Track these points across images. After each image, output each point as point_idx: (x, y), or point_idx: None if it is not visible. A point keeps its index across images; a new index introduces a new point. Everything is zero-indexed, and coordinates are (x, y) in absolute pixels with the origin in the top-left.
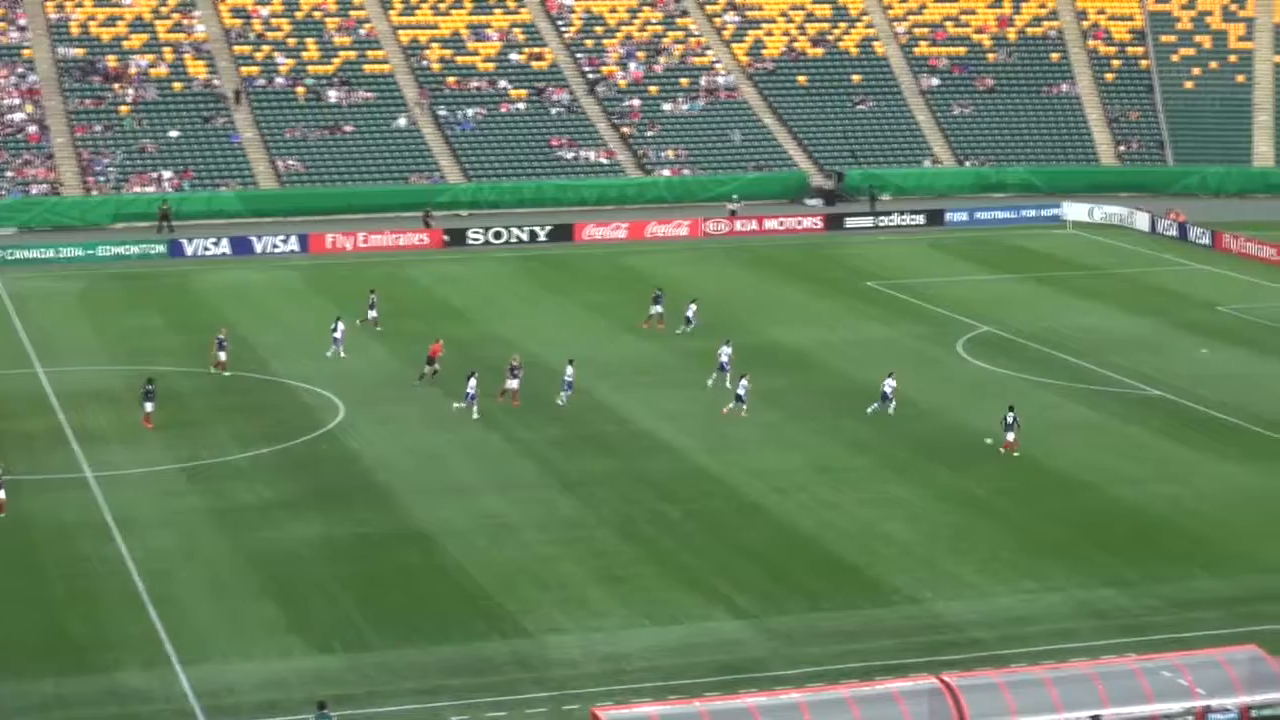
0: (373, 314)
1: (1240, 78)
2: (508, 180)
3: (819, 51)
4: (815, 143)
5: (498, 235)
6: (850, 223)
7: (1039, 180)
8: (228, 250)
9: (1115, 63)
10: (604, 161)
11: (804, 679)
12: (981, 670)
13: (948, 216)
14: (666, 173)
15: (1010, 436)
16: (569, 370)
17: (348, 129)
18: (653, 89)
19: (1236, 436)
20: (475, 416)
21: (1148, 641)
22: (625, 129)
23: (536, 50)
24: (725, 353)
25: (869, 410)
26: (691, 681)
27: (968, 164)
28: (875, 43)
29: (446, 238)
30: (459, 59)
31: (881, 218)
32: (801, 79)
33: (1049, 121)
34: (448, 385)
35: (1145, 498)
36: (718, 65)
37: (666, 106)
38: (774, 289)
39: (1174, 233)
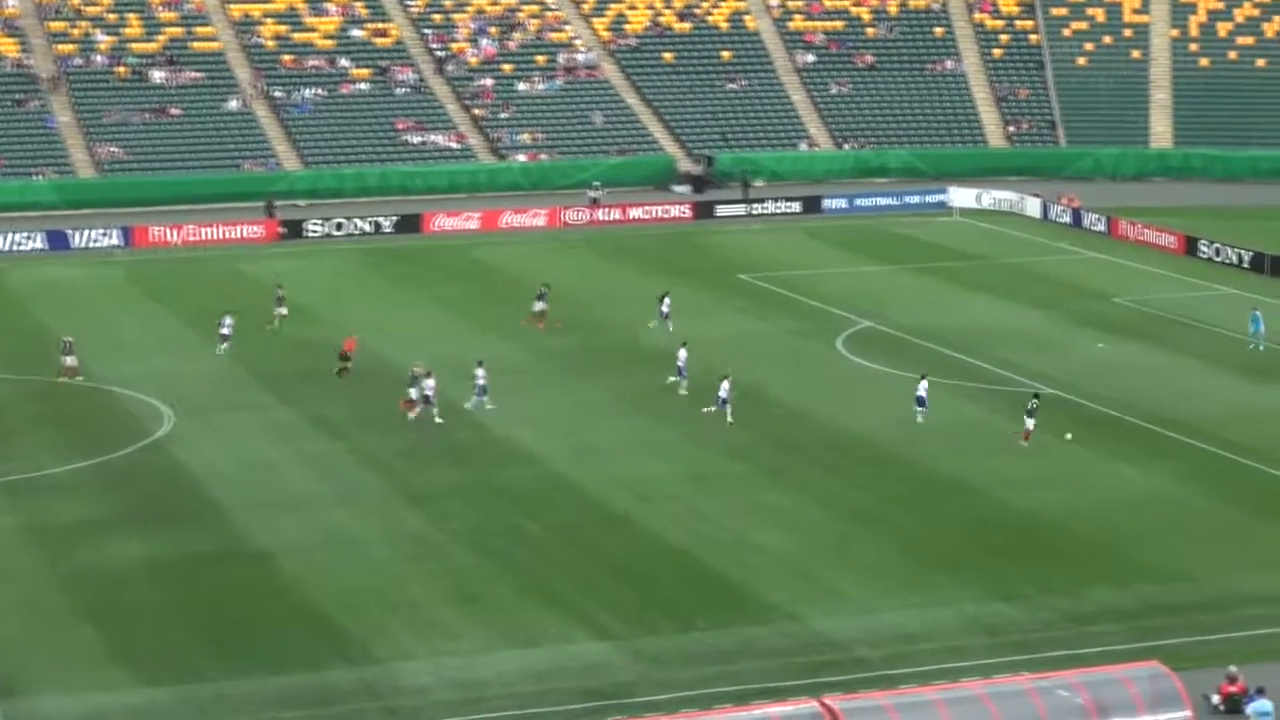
0: (282, 310)
1: (1136, 53)
2: (349, 167)
3: (686, 26)
4: (683, 125)
5: (339, 227)
6: (721, 210)
7: (923, 164)
8: (42, 245)
9: (1003, 38)
10: (454, 146)
11: (675, 704)
12: (866, 692)
13: (825, 203)
14: (522, 158)
15: (1030, 424)
16: (479, 373)
17: (174, 112)
18: (506, 67)
19: (1134, 436)
20: (439, 420)
21: (1043, 659)
22: (477, 111)
23: (380, 26)
24: (682, 355)
25: (704, 411)
26: (553, 709)
27: (846, 147)
28: (746, 17)
29: (283, 230)
30: (295, 35)
31: (754, 205)
32: (667, 56)
33: (933, 101)
34: (320, 390)
35: (1039, 503)
36: (577, 41)
37: (521, 86)
38: (640, 282)
39: (1067, 219)
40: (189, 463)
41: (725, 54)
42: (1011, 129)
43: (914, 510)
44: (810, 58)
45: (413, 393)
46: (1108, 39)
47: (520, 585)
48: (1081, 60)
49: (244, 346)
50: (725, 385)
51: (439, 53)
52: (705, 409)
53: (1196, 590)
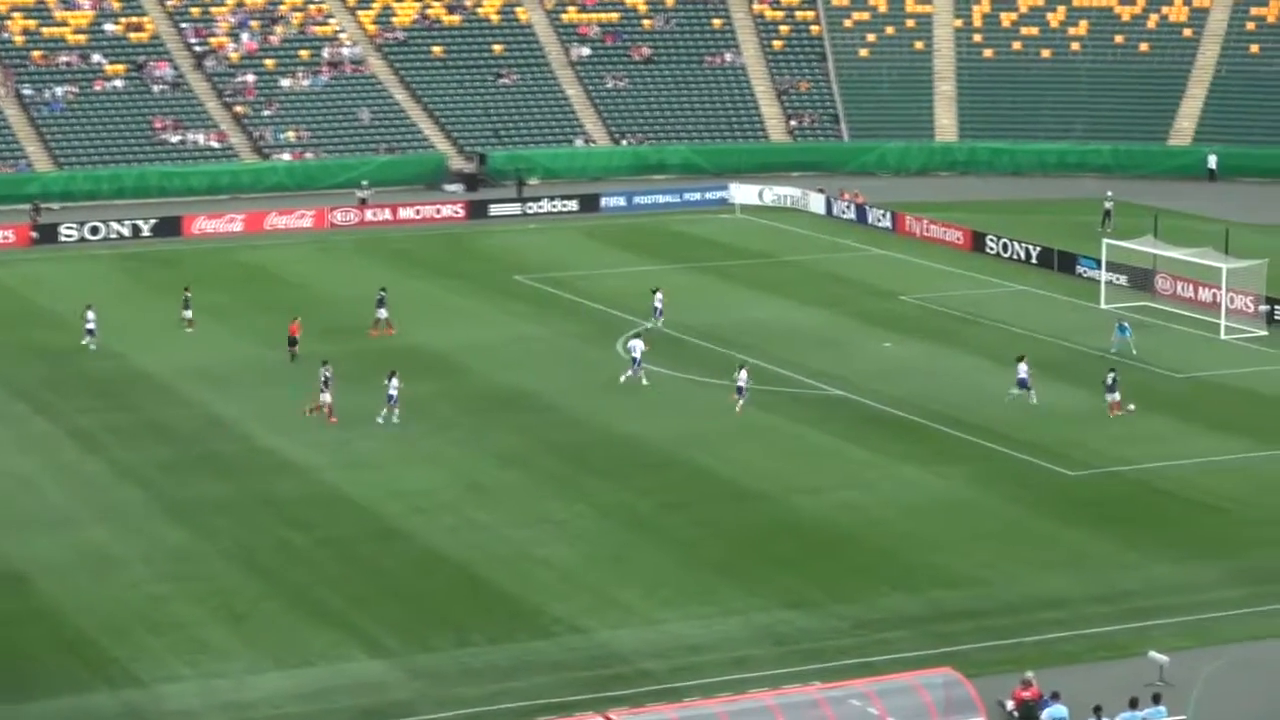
0: (187, 314)
1: (919, 44)
2: (104, 168)
3: (455, 19)
4: (454, 121)
5: (95, 231)
6: (495, 210)
7: (703, 160)
8: None
9: (783, 29)
10: (214, 145)
11: None
12: (652, 706)
13: (603, 201)
14: (287, 157)
15: (1115, 396)
16: (393, 383)
17: None
18: (269, 63)
19: (924, 437)
20: (395, 420)
21: (834, 667)
22: (238, 108)
23: (135, 20)
24: (637, 346)
25: (1008, 397)
26: None
27: (624, 143)
28: (518, 9)
29: (35, 234)
30: (45, 31)
31: (530, 204)
32: (437, 50)
33: (712, 95)
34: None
35: (826, 508)
36: (342, 35)
37: (285, 82)
38: (412, 285)
39: (852, 215)
40: None
41: (497, 47)
42: (793, 123)
43: (699, 518)
44: (585, 51)
45: (325, 396)
46: (890, 30)
47: (291, 602)
48: (864, 52)
49: None
50: (743, 375)
51: (198, 48)
52: (737, 404)
53: (989, 595)
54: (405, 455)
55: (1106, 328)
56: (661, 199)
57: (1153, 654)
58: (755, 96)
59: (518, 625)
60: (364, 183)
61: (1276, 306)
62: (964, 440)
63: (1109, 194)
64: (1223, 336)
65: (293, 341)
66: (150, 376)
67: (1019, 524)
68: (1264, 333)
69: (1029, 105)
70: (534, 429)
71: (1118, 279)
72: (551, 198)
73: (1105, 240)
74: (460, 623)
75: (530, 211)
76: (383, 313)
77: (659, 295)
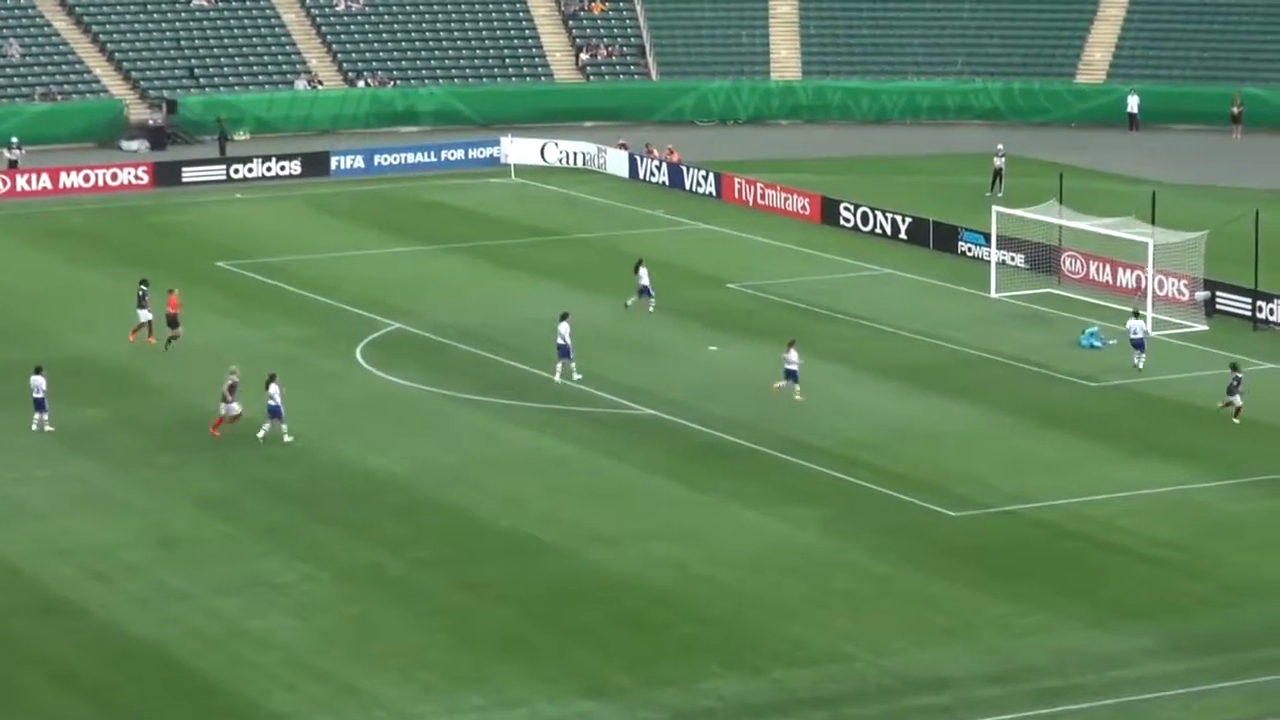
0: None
1: None
2: None
3: None
4: (135, 58)
5: None
6: (190, 175)
7: (466, 107)
8: None
9: None
10: None
11: None
12: None
13: (335, 162)
14: None
15: (1237, 401)
16: (274, 389)
17: None
18: None
19: (762, 470)
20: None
21: None
22: None
23: None
24: (564, 330)
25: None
26: None
27: (362, 84)
28: None
29: None
30: None
31: (236, 166)
32: None
33: (478, 20)
34: None
35: (636, 564)
36: None
37: None
38: (78, 275)
39: (664, 178)
40: None
41: None
42: (585, 57)
43: (467, 578)
44: None
45: (235, 407)
46: None
47: None
48: None
49: None
50: (793, 354)
51: None
52: (776, 384)
53: (850, 675)
54: (75, 500)
55: (996, 321)
56: (412, 159)
57: None
58: (534, 21)
59: None
60: (14, 140)
61: (1219, 293)
62: (816, 473)
63: (1000, 148)
64: (1150, 332)
65: (173, 322)
66: None
67: (888, 582)
68: (1202, 327)
69: (894, 33)
70: (244, 465)
71: (1012, 259)
72: (266, 158)
73: (995, 208)
74: None
75: (237, 176)
76: (145, 314)
77: (643, 270)
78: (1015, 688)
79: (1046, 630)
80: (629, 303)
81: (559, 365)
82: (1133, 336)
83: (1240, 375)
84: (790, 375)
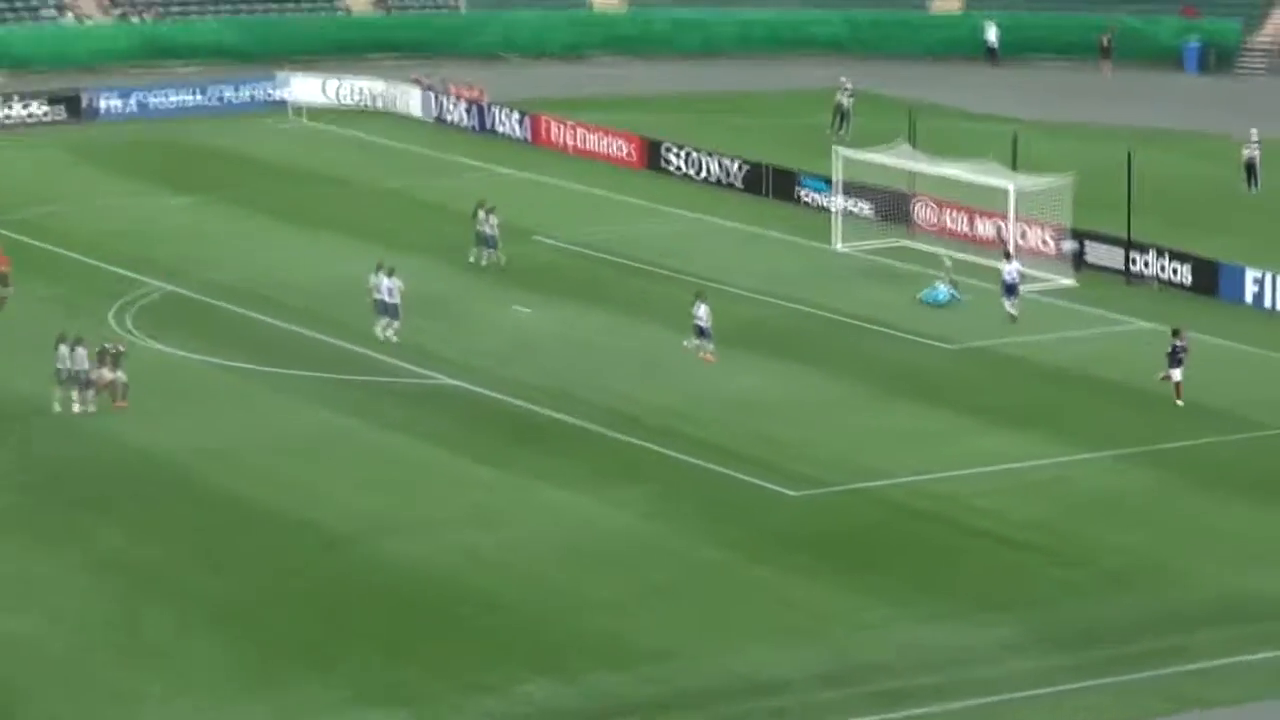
0: None
1: None
2: None
3: None
4: None
5: None
6: None
7: (244, 40)
8: None
9: None
10: None
11: None
12: None
13: (99, 104)
14: None
15: (1176, 375)
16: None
17: None
18: None
19: (578, 445)
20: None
21: None
22: None
23: None
24: (388, 285)
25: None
26: None
27: (126, 15)
28: None
29: None
30: None
31: None
32: None
33: None
34: None
35: (435, 555)
36: None
37: None
38: None
39: (468, 120)
40: None
41: None
42: None
43: (242, 570)
44: None
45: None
46: None
47: None
48: None
49: None
50: (702, 309)
51: None
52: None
53: (676, 675)
54: None
55: (840, 276)
56: (182, 99)
57: None
58: None
59: None
60: None
61: (1088, 243)
62: (638, 448)
63: (845, 82)
64: (1025, 271)
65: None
66: None
67: (718, 570)
68: (1070, 282)
69: None
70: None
71: (858, 206)
72: (21, 97)
73: (839, 150)
74: None
75: None
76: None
77: (492, 216)
78: (858, 689)
79: (895, 624)
80: (472, 258)
81: (379, 323)
82: (1006, 279)
83: (1183, 343)
84: (701, 333)
